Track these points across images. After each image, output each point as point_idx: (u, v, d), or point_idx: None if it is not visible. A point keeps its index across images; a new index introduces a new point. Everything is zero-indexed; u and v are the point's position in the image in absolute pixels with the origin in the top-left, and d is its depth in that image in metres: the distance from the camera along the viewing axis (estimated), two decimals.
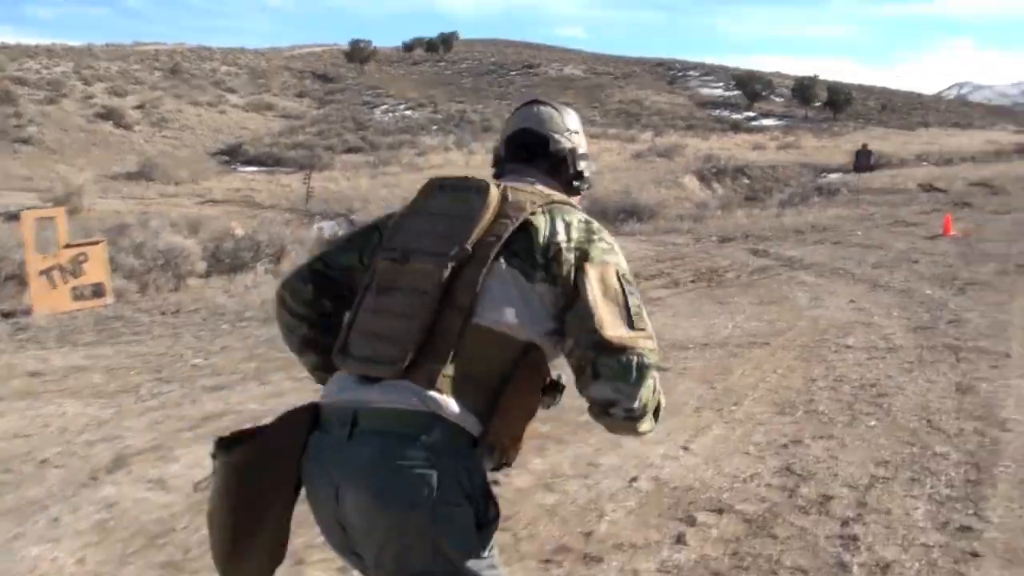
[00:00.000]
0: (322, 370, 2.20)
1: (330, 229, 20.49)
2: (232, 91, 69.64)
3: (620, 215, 21.62)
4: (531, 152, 2.28)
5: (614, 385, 1.85)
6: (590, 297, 1.89)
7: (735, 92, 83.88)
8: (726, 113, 76.48)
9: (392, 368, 1.88)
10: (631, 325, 1.90)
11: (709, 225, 19.29)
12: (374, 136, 54.49)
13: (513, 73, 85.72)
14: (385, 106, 68.72)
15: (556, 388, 2.05)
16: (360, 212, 25.16)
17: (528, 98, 2.52)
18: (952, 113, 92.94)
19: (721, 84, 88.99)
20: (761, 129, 67.84)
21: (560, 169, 2.28)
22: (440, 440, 1.82)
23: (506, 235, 1.96)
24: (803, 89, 78.63)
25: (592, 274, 1.93)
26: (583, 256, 1.96)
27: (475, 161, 42.10)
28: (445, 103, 68.90)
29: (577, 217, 2.05)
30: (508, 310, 1.92)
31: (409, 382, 1.86)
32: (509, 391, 1.93)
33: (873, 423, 5.48)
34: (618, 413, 1.88)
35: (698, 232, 18.07)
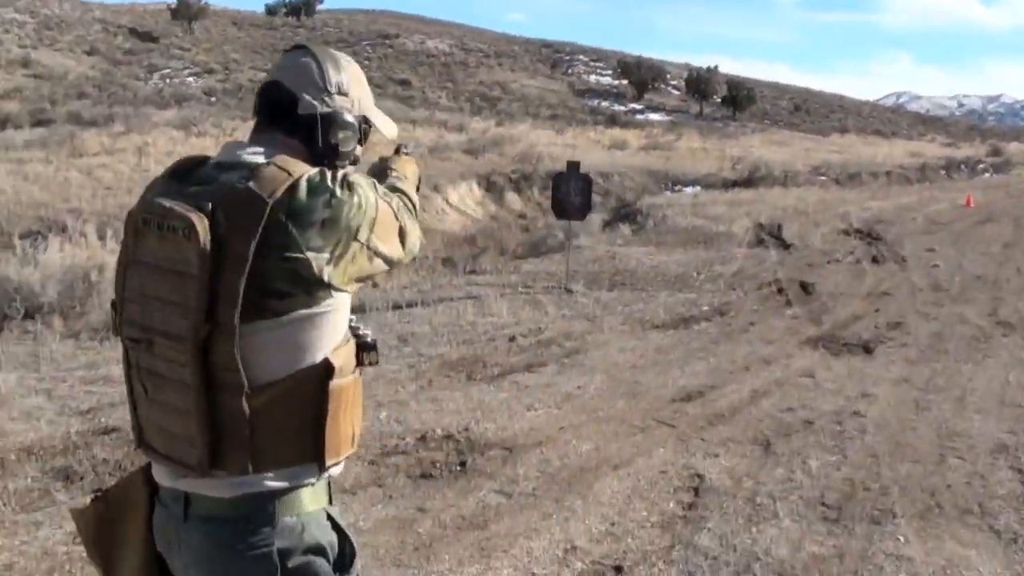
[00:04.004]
0: None
1: None
2: None
3: None
4: (275, 112, 2.03)
5: None
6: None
7: (623, 81, 71.05)
8: (607, 104, 63.54)
9: (197, 470, 1.83)
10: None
11: None
12: (117, 107, 40.49)
13: (364, 43, 72.19)
14: (168, 70, 54.61)
15: (370, 348, 2.05)
16: None
17: (295, 43, 2.25)
18: (876, 119, 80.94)
19: (610, 72, 76.00)
20: (645, 124, 55.07)
21: (311, 136, 2.02)
22: (270, 514, 1.85)
23: (240, 288, 1.75)
24: (699, 82, 65.88)
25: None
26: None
27: (194, 145, 27.98)
28: (247, 71, 55.14)
29: (309, 217, 1.84)
30: (281, 357, 1.85)
31: (224, 472, 1.82)
32: (328, 413, 1.90)
33: None
34: None
35: None
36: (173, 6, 73.53)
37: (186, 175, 1.99)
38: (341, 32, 76.79)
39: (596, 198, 25.05)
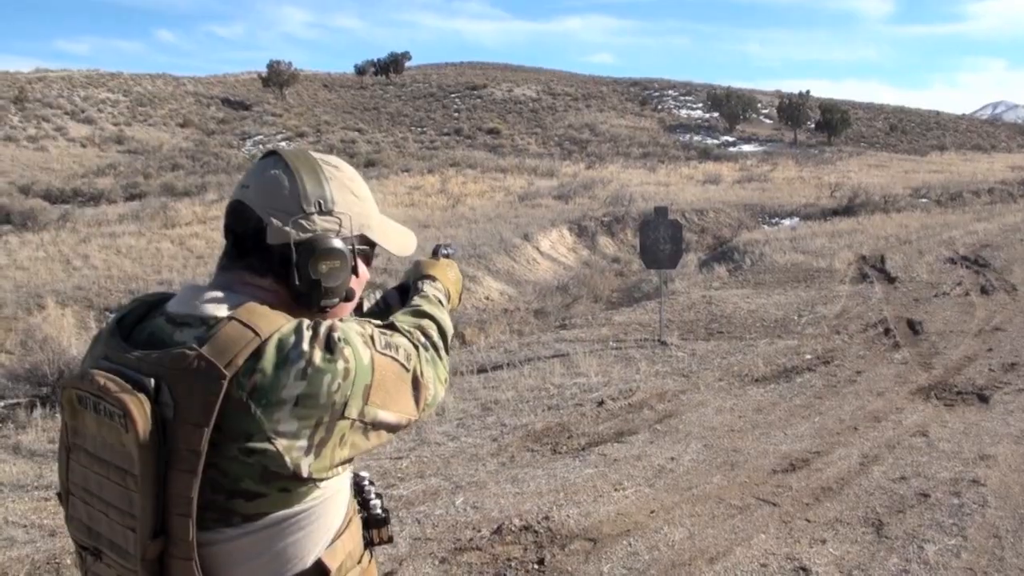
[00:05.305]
0: None
1: None
2: (89, 122, 57.01)
3: None
4: (241, 243, 1.56)
5: None
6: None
7: (714, 114, 70.25)
8: (699, 138, 62.77)
9: None
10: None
11: None
12: (210, 176, 41.33)
13: (453, 95, 72.89)
14: (260, 136, 55.65)
15: (381, 522, 1.72)
16: None
17: (269, 149, 1.68)
18: (974, 134, 78.42)
19: (700, 105, 75.26)
20: (738, 156, 54.17)
21: (288, 272, 1.52)
22: None
23: (194, 492, 1.35)
24: (791, 108, 64.69)
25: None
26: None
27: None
28: (339, 131, 55.90)
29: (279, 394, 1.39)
30: (257, 569, 1.44)
31: None
32: None
33: None
34: None
35: None
36: (264, 74, 75.13)
37: (135, 328, 1.56)
38: (430, 87, 77.75)
39: (691, 236, 24.61)
